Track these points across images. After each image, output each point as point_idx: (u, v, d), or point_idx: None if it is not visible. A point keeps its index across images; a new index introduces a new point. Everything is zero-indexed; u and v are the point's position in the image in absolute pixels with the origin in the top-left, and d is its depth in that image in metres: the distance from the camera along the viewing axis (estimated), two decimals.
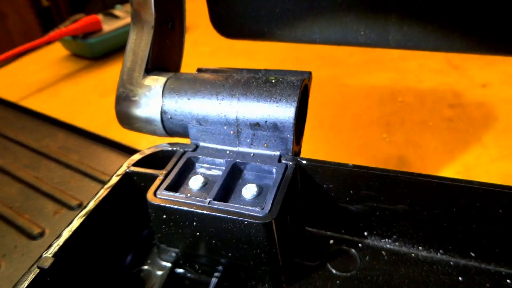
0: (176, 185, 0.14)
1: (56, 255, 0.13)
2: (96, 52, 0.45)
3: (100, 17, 0.45)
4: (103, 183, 0.18)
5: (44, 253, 0.13)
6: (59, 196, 0.21)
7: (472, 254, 0.14)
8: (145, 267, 0.15)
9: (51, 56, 0.47)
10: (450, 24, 0.15)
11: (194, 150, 0.15)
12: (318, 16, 0.16)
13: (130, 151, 0.24)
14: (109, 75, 0.42)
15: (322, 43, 0.17)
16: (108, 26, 0.45)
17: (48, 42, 0.43)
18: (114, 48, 0.46)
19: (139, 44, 0.17)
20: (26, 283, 0.12)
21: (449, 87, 0.33)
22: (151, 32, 0.16)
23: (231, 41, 0.20)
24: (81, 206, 0.19)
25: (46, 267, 0.12)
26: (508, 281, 0.13)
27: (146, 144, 0.26)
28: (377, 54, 0.38)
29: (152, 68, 0.17)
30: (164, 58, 0.17)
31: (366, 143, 0.27)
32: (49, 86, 0.41)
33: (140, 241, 0.16)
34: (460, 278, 0.13)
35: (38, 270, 0.12)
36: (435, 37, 0.15)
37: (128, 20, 0.46)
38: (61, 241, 0.13)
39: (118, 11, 0.50)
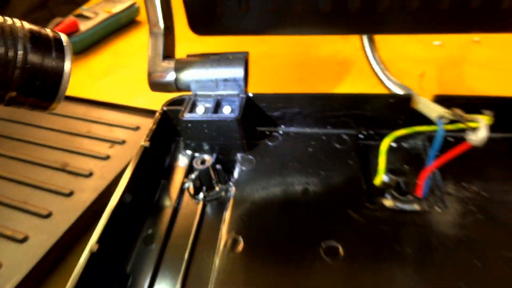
0: (191, 111, 0.29)
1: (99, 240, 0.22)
2: (77, 48, 0.56)
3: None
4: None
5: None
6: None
7: (329, 128, 0.31)
8: (177, 155, 0.30)
9: None
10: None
11: (195, 96, 0.30)
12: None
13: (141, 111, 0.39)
14: (94, 65, 0.54)
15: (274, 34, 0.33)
16: (84, 26, 0.57)
17: None
18: (90, 44, 0.58)
19: (156, 44, 0.31)
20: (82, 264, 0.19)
21: (338, 51, 0.51)
22: (162, 37, 0.31)
23: (200, 37, 0.35)
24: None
25: (95, 251, 0.20)
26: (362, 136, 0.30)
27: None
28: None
29: (164, 56, 0.31)
30: (169, 50, 0.32)
31: (285, 86, 0.44)
32: None
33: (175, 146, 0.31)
34: (337, 145, 0.30)
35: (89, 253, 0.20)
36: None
37: (98, 19, 0.58)
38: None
39: (86, 12, 0.61)
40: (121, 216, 0.23)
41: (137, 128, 0.36)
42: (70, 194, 0.29)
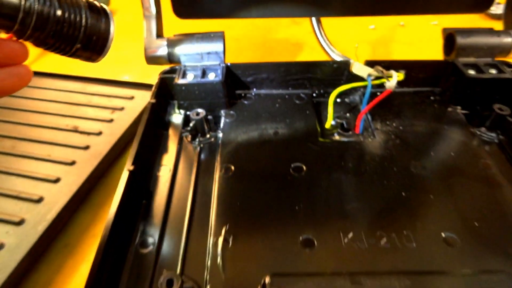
0: (183, 78, 0.37)
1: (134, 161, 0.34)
2: None
3: None
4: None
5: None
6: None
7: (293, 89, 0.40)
8: (173, 115, 0.38)
9: None
10: None
11: (185, 66, 0.38)
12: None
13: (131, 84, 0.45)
14: None
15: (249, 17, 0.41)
16: None
17: None
18: None
19: (149, 25, 0.38)
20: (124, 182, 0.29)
21: (293, 35, 0.60)
22: (154, 20, 0.38)
23: (183, 20, 0.42)
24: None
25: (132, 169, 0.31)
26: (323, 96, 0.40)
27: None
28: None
29: (157, 35, 0.38)
30: (159, 30, 0.39)
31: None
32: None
33: (170, 107, 0.39)
34: (297, 101, 0.39)
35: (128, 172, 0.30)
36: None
37: None
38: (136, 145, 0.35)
39: None
40: (143, 150, 0.30)
41: (132, 98, 0.43)
42: (87, 148, 0.36)
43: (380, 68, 0.34)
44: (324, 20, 0.57)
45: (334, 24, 0.61)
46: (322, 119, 0.38)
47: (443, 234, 0.27)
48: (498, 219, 0.28)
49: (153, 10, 0.38)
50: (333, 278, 0.23)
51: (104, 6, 0.24)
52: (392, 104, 0.39)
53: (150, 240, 0.27)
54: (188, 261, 0.26)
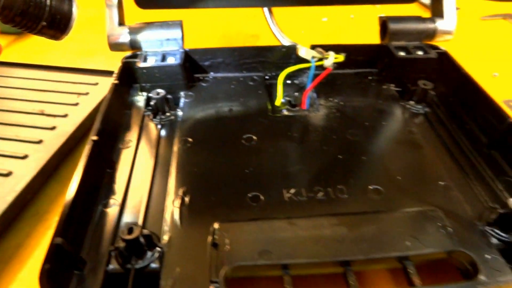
0: (144, 62, 0.40)
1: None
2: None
3: None
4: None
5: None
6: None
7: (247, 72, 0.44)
8: (135, 97, 0.41)
9: None
10: None
11: (146, 52, 0.41)
12: None
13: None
14: (32, 44, 0.61)
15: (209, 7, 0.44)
16: None
17: None
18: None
19: (111, 13, 0.41)
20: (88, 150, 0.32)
21: (251, 27, 0.64)
22: (116, 8, 0.41)
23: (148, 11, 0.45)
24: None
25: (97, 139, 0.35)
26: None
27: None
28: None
29: (119, 23, 0.41)
30: (121, 19, 0.42)
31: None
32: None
33: (133, 91, 0.41)
34: (250, 82, 0.43)
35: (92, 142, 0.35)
36: None
37: None
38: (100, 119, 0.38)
39: None
40: (106, 124, 0.33)
41: (96, 84, 0.45)
42: (53, 128, 0.38)
43: (320, 49, 0.39)
44: (280, 14, 0.62)
45: (289, 18, 0.65)
46: (273, 98, 0.42)
47: (370, 187, 0.31)
48: (417, 173, 0.33)
49: (116, 1, 0.41)
50: (273, 221, 0.27)
51: None
52: (335, 83, 0.43)
53: (114, 201, 0.30)
54: (148, 218, 0.29)
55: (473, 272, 0.24)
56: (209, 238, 0.26)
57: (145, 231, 0.26)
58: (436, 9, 0.44)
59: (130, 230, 0.26)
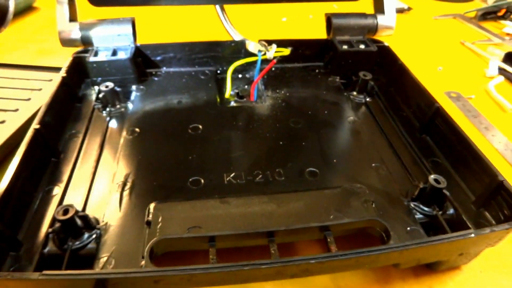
0: (95, 56, 0.41)
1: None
2: None
3: None
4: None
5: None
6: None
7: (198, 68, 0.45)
8: (87, 91, 0.42)
9: None
10: None
11: (97, 47, 0.42)
12: None
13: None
14: (8, 37, 0.61)
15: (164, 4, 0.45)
16: None
17: None
18: None
19: (62, 10, 0.42)
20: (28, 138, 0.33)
21: (210, 26, 0.66)
22: (67, 5, 0.42)
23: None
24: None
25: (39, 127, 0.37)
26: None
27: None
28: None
29: (70, 19, 0.42)
30: (73, 15, 0.43)
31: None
32: None
33: (85, 85, 0.42)
34: (202, 77, 0.45)
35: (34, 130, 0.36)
36: None
37: None
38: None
39: None
40: (52, 115, 0.34)
41: (50, 80, 0.46)
42: (3, 122, 0.39)
43: (263, 42, 0.40)
44: (239, 14, 0.64)
45: (249, 18, 0.67)
46: (223, 91, 0.43)
47: (307, 169, 0.33)
48: (352, 156, 0.35)
49: None
50: (207, 200, 0.28)
51: None
52: (284, 76, 0.45)
53: (57, 189, 0.31)
54: (91, 202, 0.30)
55: (386, 238, 0.25)
56: (145, 216, 0.27)
57: (81, 213, 0.27)
58: (378, 6, 0.46)
59: (65, 211, 0.26)
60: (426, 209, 0.30)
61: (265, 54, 0.41)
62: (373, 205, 0.29)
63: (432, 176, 0.29)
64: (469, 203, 0.30)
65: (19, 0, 0.68)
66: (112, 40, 0.43)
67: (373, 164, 0.34)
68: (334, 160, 0.34)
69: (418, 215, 0.30)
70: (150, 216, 0.27)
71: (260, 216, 0.27)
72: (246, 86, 0.44)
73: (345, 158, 0.35)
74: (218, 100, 0.41)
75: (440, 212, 0.29)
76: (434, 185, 0.29)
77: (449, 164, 0.34)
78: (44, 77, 0.47)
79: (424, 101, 0.37)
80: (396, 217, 0.29)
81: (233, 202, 0.28)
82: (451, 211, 0.30)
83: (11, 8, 0.27)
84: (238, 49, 0.45)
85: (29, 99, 0.43)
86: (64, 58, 0.42)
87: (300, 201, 0.28)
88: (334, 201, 0.28)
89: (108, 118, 0.38)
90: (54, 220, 0.28)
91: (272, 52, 0.39)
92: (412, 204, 0.30)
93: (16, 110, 0.41)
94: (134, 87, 0.42)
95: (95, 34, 0.42)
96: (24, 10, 0.70)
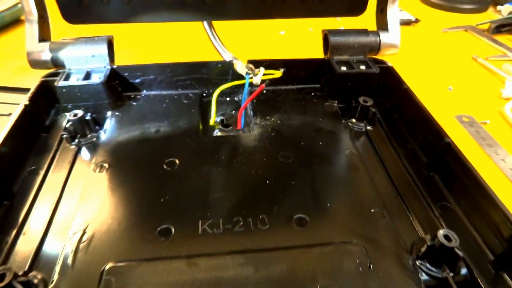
0: (65, 80, 0.37)
1: None
2: None
3: None
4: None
5: None
6: None
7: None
8: (58, 117, 0.38)
9: None
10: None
11: (69, 70, 0.38)
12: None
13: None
14: None
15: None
16: None
17: None
18: None
19: (31, 29, 0.38)
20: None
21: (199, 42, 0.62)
22: (37, 24, 0.38)
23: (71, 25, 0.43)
24: None
25: None
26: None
27: None
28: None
29: (40, 39, 0.38)
30: (44, 34, 0.39)
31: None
32: None
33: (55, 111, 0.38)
34: (185, 101, 0.41)
35: None
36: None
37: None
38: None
39: None
40: (7, 151, 0.30)
41: None
42: None
43: (251, 65, 0.36)
44: (233, 28, 0.60)
45: (243, 31, 0.63)
46: (207, 118, 0.39)
47: (295, 216, 0.28)
48: (349, 199, 0.30)
49: (35, 13, 0.38)
50: (171, 261, 0.24)
51: None
52: (275, 101, 0.41)
53: (6, 238, 0.27)
54: (42, 256, 0.26)
55: None
56: (97, 282, 0.23)
57: (23, 277, 0.23)
58: (380, 22, 0.42)
59: (1, 277, 0.22)
60: (434, 269, 0.25)
61: (252, 77, 0.37)
62: (371, 267, 0.24)
63: (441, 232, 0.24)
64: (486, 263, 0.26)
65: (4, 13, 0.65)
66: (86, 62, 0.39)
67: (372, 210, 0.29)
68: (327, 204, 0.29)
69: (424, 277, 0.25)
70: (104, 281, 0.23)
71: (232, 282, 0.23)
72: (233, 112, 0.40)
73: (340, 201, 0.30)
74: (201, 128, 0.37)
75: (451, 274, 0.25)
76: (444, 243, 0.24)
77: (461, 211, 0.29)
78: (16, 99, 0.43)
79: (433, 133, 0.32)
80: (397, 279, 0.24)
81: (202, 263, 0.24)
82: (464, 271, 0.25)
83: None
84: (225, 70, 0.41)
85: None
86: None
87: (283, 263, 0.24)
88: (323, 264, 0.24)
89: (76, 151, 0.34)
90: None
91: (259, 76, 0.35)
92: (417, 263, 0.25)
93: None
94: (109, 113, 0.38)
95: (66, 55, 0.38)
96: (11, 23, 0.67)
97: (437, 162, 0.32)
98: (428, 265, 0.25)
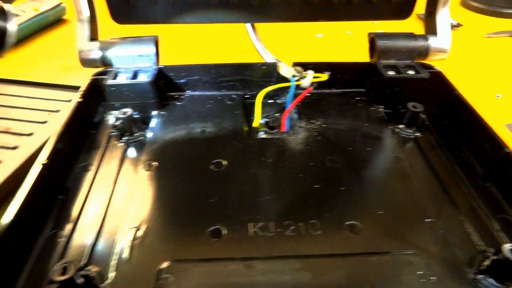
0: (114, 79, 0.38)
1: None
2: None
3: None
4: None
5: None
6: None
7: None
8: (106, 116, 0.38)
9: None
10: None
11: (117, 69, 0.39)
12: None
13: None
14: (23, 58, 0.60)
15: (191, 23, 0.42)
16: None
17: None
18: (19, 39, 0.63)
19: (83, 28, 0.39)
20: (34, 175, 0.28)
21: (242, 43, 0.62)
22: (87, 23, 0.39)
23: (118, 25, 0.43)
24: None
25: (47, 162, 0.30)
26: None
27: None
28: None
29: (90, 38, 0.39)
30: (94, 34, 0.40)
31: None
32: None
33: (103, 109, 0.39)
34: (228, 102, 0.41)
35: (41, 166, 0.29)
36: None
37: (26, 16, 0.63)
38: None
39: (14, 9, 0.65)
40: (62, 147, 0.31)
41: (69, 101, 0.43)
42: (15, 148, 0.36)
43: (298, 68, 0.36)
44: (272, 30, 0.59)
45: (280, 33, 0.63)
46: (251, 119, 0.39)
47: (347, 222, 0.28)
48: (401, 208, 0.29)
49: (86, 13, 0.39)
50: (228, 263, 0.24)
51: (4, 5, 0.25)
52: (319, 104, 0.40)
53: (63, 232, 0.27)
54: (97, 250, 0.26)
55: None
56: (154, 280, 0.23)
57: (82, 272, 0.23)
58: (429, 26, 0.40)
59: (64, 270, 0.23)
60: (497, 285, 0.24)
61: (299, 80, 0.37)
62: (431, 279, 0.23)
63: (507, 247, 0.23)
64: None
65: (48, 13, 0.67)
66: (133, 61, 0.39)
67: (426, 220, 0.28)
68: (380, 212, 0.29)
69: None
70: (161, 279, 0.23)
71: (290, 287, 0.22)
72: (277, 114, 0.39)
73: (392, 208, 0.29)
74: (246, 129, 0.37)
75: None
76: (510, 258, 0.23)
77: None
78: (63, 96, 0.44)
79: (489, 142, 0.31)
80: None
81: (258, 266, 0.24)
82: None
83: (12, 30, 0.24)
84: (269, 72, 0.41)
85: (45, 122, 0.40)
86: (88, 76, 0.40)
87: (340, 270, 0.23)
88: (382, 274, 0.23)
89: (124, 148, 0.35)
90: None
91: (309, 79, 0.34)
92: (478, 277, 0.24)
93: (31, 134, 0.38)
94: (154, 112, 0.39)
95: (115, 55, 0.39)
96: (54, 23, 0.69)
97: (495, 173, 0.30)
98: (490, 280, 0.24)
